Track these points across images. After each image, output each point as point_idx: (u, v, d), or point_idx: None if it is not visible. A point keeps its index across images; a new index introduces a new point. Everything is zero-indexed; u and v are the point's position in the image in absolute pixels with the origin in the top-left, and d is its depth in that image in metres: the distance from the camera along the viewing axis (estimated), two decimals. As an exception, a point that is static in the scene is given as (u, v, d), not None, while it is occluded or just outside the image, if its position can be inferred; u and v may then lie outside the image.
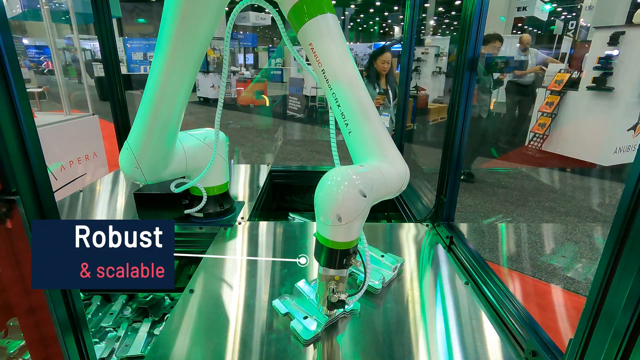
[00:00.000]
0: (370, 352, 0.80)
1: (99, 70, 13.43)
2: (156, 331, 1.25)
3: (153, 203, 1.34)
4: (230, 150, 1.41)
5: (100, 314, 1.32)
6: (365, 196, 0.72)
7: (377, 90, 3.58)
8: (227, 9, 0.95)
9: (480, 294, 1.00)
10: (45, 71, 15.95)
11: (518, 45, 5.88)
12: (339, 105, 0.83)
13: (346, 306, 0.85)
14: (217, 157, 1.32)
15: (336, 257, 0.78)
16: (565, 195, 4.60)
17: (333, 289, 0.80)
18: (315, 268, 1.11)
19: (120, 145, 1.94)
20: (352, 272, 1.04)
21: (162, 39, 0.88)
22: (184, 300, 0.95)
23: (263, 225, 1.38)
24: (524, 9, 10.59)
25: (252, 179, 1.93)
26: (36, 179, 0.53)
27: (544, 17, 11.16)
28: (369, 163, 0.82)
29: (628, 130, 5.11)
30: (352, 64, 0.85)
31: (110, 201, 1.61)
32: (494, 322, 0.90)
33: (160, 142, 1.08)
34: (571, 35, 11.25)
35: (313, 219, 2.14)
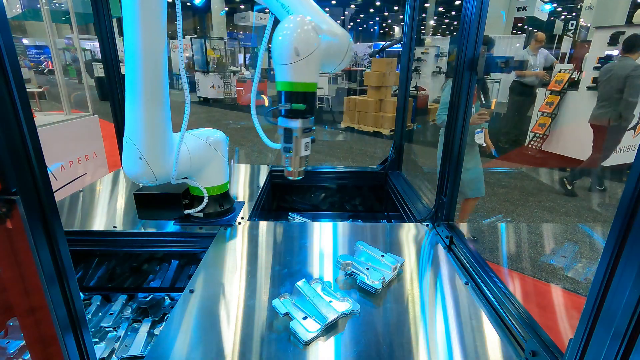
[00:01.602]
0: (370, 352, 0.80)
1: (99, 70, 13.44)
2: (156, 331, 1.25)
3: (153, 203, 1.35)
4: (230, 150, 1.41)
5: (100, 314, 1.32)
6: (318, 35, 0.85)
7: (480, 100, 2.67)
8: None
9: (480, 294, 1.00)
10: (45, 71, 15.95)
11: (532, 43, 5.86)
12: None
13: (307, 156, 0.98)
14: (220, 158, 1.32)
15: (299, 99, 0.87)
16: (566, 195, 4.60)
17: (289, 148, 0.92)
18: (315, 267, 1.11)
19: (120, 145, 1.94)
20: (353, 272, 1.04)
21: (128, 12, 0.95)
22: (184, 300, 0.95)
23: (263, 225, 1.38)
24: (524, 9, 10.59)
25: (252, 179, 1.94)
26: (36, 179, 0.53)
27: (544, 17, 11.16)
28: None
29: (628, 130, 5.10)
30: None
31: (110, 201, 1.61)
32: (494, 322, 0.90)
33: (159, 118, 1.09)
34: (571, 35, 11.25)
35: (313, 219, 2.14)
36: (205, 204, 1.33)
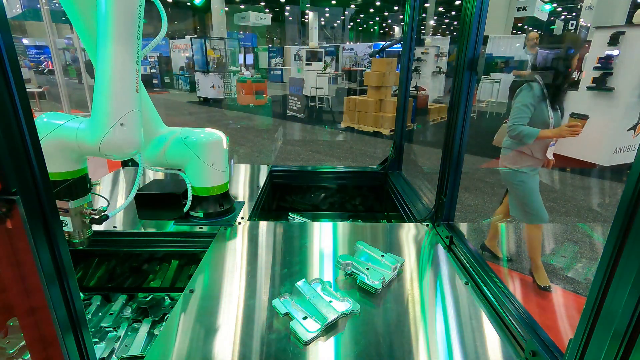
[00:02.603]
0: (370, 352, 0.80)
1: (99, 70, 13.38)
2: (156, 331, 1.26)
3: (153, 203, 1.35)
4: (230, 150, 1.41)
5: (100, 314, 1.32)
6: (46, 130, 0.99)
7: (559, 111, 2.31)
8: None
9: (480, 294, 1.00)
10: (45, 71, 15.95)
11: (527, 42, 5.88)
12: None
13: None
14: (220, 158, 1.33)
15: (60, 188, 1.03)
16: (565, 195, 4.61)
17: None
18: (315, 267, 1.11)
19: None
20: (353, 272, 1.04)
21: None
22: (184, 300, 0.95)
23: (263, 225, 1.38)
24: (524, 9, 10.59)
25: (252, 179, 1.94)
26: (36, 179, 0.53)
27: (544, 17, 11.16)
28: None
29: (628, 130, 5.10)
30: None
31: (110, 201, 1.61)
32: (494, 322, 0.90)
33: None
34: (571, 35, 11.22)
35: (313, 219, 2.14)
36: (190, 202, 1.35)
